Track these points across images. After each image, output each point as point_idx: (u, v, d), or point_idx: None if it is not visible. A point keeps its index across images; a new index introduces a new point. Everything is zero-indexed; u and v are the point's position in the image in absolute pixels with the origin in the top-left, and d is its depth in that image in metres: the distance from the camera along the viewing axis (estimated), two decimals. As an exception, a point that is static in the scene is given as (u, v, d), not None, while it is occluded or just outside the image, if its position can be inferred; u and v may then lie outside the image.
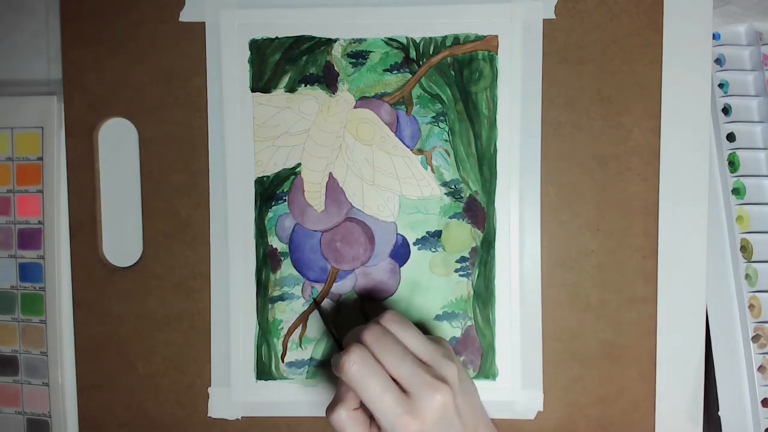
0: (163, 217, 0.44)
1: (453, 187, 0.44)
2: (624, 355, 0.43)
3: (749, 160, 0.45)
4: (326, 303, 0.44)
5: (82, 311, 0.45)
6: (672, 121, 0.43)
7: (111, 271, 0.45)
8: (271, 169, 0.44)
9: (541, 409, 0.44)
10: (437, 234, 0.44)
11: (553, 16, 0.43)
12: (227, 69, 0.44)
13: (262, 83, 0.44)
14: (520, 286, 0.43)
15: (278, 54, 0.44)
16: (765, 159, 0.45)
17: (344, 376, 0.33)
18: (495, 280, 0.44)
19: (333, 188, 0.44)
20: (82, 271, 0.45)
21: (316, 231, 0.44)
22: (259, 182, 0.44)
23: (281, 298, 0.44)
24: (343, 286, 0.44)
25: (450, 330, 0.44)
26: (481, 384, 0.43)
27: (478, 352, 0.44)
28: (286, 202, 0.44)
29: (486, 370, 0.44)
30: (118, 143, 0.45)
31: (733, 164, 0.45)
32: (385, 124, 0.44)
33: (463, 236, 0.44)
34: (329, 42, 0.44)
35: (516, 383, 0.44)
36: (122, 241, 0.45)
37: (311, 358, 0.45)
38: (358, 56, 0.44)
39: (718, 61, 0.46)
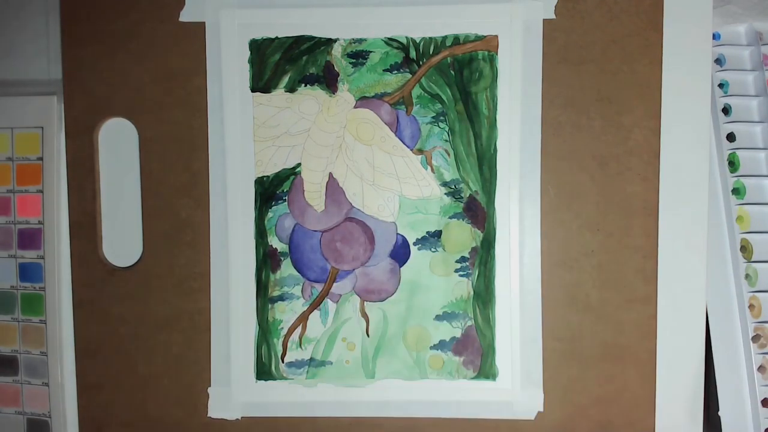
0: (163, 217, 0.44)
1: (453, 187, 0.44)
2: (624, 355, 0.43)
3: (749, 160, 0.45)
4: None
5: (82, 311, 0.45)
6: (672, 121, 0.43)
7: (111, 271, 0.45)
8: (271, 169, 0.44)
9: (541, 409, 0.44)
10: (437, 234, 0.44)
11: (553, 16, 0.43)
12: (227, 69, 0.44)
13: (262, 83, 0.44)
14: (520, 286, 0.43)
15: (278, 54, 0.44)
16: (765, 159, 0.45)
17: None
18: (495, 280, 0.44)
19: (333, 188, 0.44)
20: (82, 271, 0.45)
21: (316, 231, 0.44)
22: (259, 182, 0.44)
23: (281, 298, 0.44)
24: (343, 286, 0.44)
25: (450, 330, 0.44)
26: (481, 384, 0.43)
27: (478, 352, 0.44)
28: (286, 202, 0.44)
29: (486, 370, 0.44)
30: (118, 143, 0.45)
31: (733, 164, 0.45)
32: (385, 124, 0.44)
33: (463, 236, 0.44)
34: (329, 42, 0.44)
35: (516, 383, 0.44)
36: (122, 241, 0.45)
37: (311, 358, 0.45)
38: (358, 56, 0.44)
39: (718, 61, 0.46)
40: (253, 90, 0.44)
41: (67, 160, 0.45)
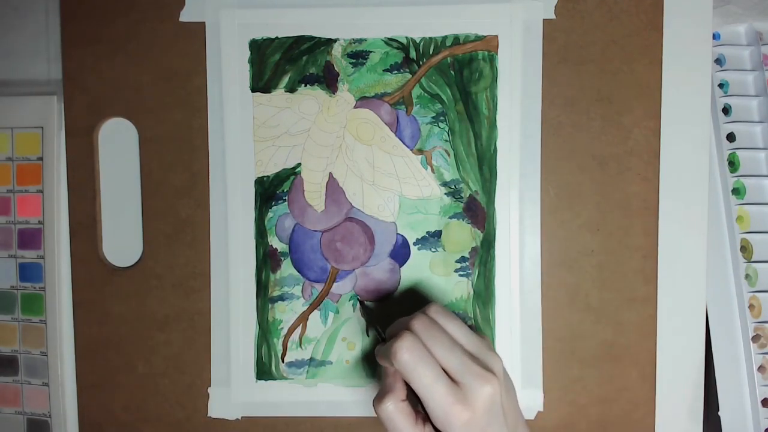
0: (163, 217, 0.44)
1: (453, 187, 0.44)
2: (624, 355, 0.43)
3: (749, 160, 0.45)
4: (369, 303, 0.44)
5: (82, 311, 0.45)
6: (672, 121, 0.43)
7: (111, 271, 0.45)
8: (271, 169, 0.44)
9: (541, 409, 0.44)
10: (437, 234, 0.44)
11: (553, 16, 0.43)
12: (227, 69, 0.44)
13: (262, 83, 0.44)
14: (520, 286, 0.43)
15: (278, 54, 0.44)
16: (765, 159, 0.45)
17: (397, 363, 0.33)
18: (495, 280, 0.44)
19: (333, 188, 0.44)
20: (82, 271, 0.45)
21: (316, 231, 0.44)
22: (259, 182, 0.44)
23: (281, 298, 0.44)
24: (343, 286, 0.44)
25: (450, 330, 0.44)
26: (481, 384, 0.43)
27: (478, 352, 0.44)
28: (286, 202, 0.44)
29: (486, 370, 0.44)
30: (118, 143, 0.45)
31: (733, 164, 0.45)
32: (385, 124, 0.44)
33: (463, 236, 0.44)
34: (329, 42, 0.44)
35: (516, 383, 0.44)
36: (122, 241, 0.45)
37: (311, 358, 0.45)
38: (358, 56, 0.44)
39: (718, 61, 0.46)
40: (253, 90, 0.44)
41: (67, 160, 0.45)
